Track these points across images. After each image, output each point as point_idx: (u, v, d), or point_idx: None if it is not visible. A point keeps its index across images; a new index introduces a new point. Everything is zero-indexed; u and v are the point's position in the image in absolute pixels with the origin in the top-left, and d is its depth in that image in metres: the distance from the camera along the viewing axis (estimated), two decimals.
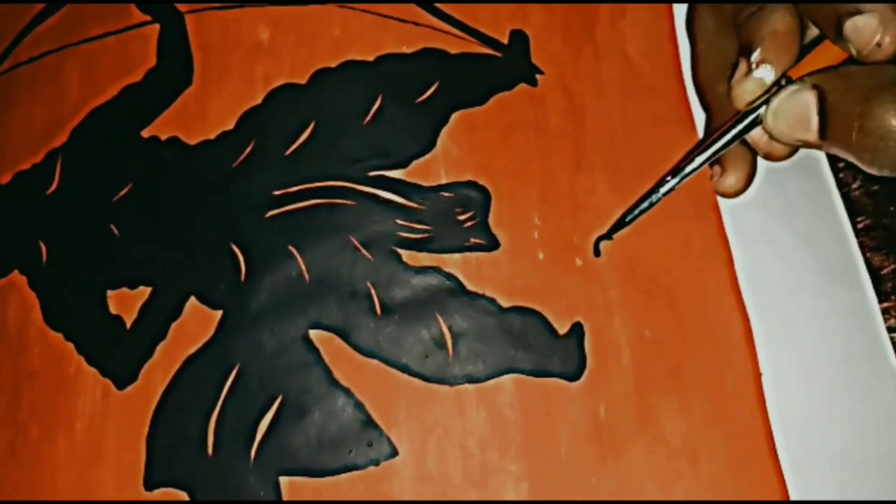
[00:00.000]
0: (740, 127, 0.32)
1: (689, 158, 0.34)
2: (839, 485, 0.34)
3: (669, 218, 0.38)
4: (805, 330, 0.37)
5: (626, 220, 0.36)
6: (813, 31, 0.32)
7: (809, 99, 0.28)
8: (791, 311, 0.37)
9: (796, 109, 0.29)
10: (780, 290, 0.37)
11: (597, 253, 0.37)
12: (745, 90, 0.31)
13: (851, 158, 0.27)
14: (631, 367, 0.36)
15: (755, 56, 0.31)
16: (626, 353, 0.36)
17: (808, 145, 0.30)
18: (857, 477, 0.34)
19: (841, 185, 0.40)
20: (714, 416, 0.35)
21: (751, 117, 0.32)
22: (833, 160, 0.40)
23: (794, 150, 0.33)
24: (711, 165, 0.37)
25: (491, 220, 0.38)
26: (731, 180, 0.36)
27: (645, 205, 0.36)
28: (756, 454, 0.35)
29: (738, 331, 0.36)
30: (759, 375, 0.36)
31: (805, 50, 0.31)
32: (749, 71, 0.31)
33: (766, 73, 0.31)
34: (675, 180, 0.35)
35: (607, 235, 0.37)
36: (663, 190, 0.35)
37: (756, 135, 0.33)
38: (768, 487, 0.34)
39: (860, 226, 0.40)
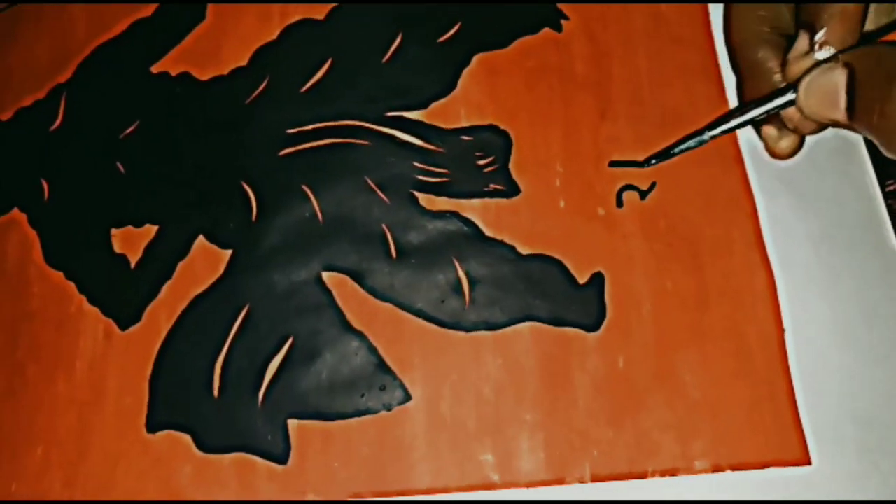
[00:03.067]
0: (781, 101, 0.32)
1: (731, 116, 0.34)
2: (861, 445, 0.34)
3: (693, 170, 0.38)
4: (829, 287, 0.37)
5: (673, 151, 0.36)
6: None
7: (840, 77, 0.28)
8: (815, 268, 0.37)
9: (827, 87, 0.28)
10: (805, 245, 0.37)
11: (619, 203, 0.37)
12: (802, 69, 0.30)
13: (874, 140, 0.27)
14: (651, 318, 0.35)
15: (819, 36, 0.30)
16: (647, 305, 0.36)
17: (836, 124, 0.30)
18: (880, 438, 0.34)
19: (870, 146, 0.40)
20: (735, 371, 0.35)
21: (790, 94, 0.31)
22: None
23: (821, 127, 0.33)
24: (760, 126, 0.37)
25: (511, 166, 0.38)
26: (785, 143, 0.36)
27: (690, 143, 0.35)
28: (777, 412, 0.34)
29: (762, 285, 0.36)
30: (781, 331, 0.35)
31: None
32: (811, 50, 0.30)
33: (827, 55, 0.30)
34: (723, 129, 0.34)
35: (646, 162, 0.37)
36: (711, 134, 0.34)
37: (791, 109, 0.33)
38: (788, 446, 0.34)
39: (889, 189, 0.40)
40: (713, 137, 0.35)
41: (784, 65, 0.32)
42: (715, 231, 0.37)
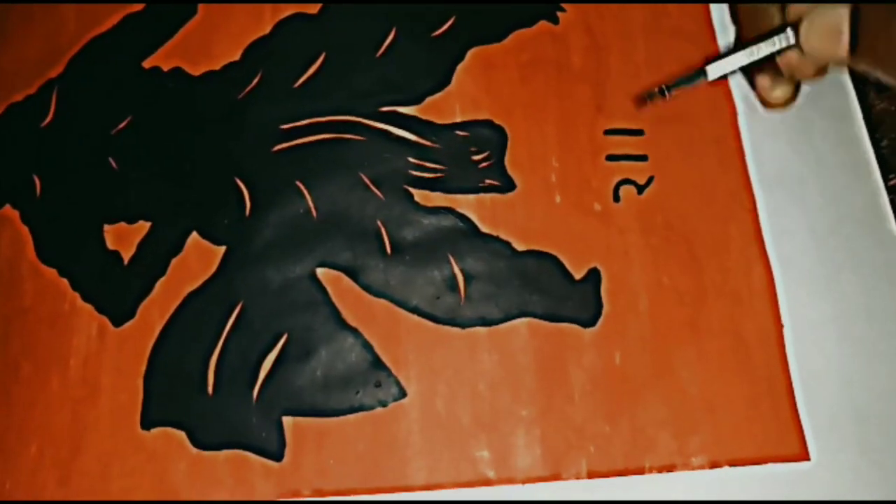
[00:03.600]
0: (782, 40, 0.32)
1: (731, 52, 0.34)
2: (862, 442, 0.34)
3: (691, 165, 0.38)
4: (830, 282, 0.37)
5: (662, 90, 0.36)
6: None
7: (843, 13, 0.29)
8: (816, 263, 0.37)
9: (830, 24, 0.29)
10: (806, 240, 0.37)
11: (616, 198, 0.37)
12: (803, 10, 0.32)
13: (879, 73, 0.28)
14: (648, 314, 0.36)
15: None
16: (644, 301, 0.36)
17: (837, 62, 0.30)
18: (881, 434, 0.34)
19: (875, 143, 0.40)
20: (733, 367, 0.35)
21: (789, 33, 0.32)
22: (867, 113, 0.40)
23: (818, 72, 0.34)
24: (754, 76, 0.36)
25: (507, 161, 0.38)
26: (779, 91, 0.36)
27: (686, 80, 0.36)
28: (776, 407, 0.34)
29: (760, 281, 0.36)
30: (780, 327, 0.36)
31: None
32: None
33: None
34: (723, 67, 0.35)
35: (642, 101, 0.38)
36: (710, 71, 0.35)
37: (789, 53, 0.33)
38: (787, 441, 0.34)
39: (892, 183, 0.40)
40: (712, 80, 0.35)
41: (784, 7, 0.32)
42: (713, 226, 0.37)
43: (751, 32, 0.35)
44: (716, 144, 0.38)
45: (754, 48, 0.33)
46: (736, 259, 0.37)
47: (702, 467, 0.34)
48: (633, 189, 0.37)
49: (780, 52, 0.33)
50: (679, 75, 0.36)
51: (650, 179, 0.37)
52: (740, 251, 0.37)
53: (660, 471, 0.33)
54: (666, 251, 0.37)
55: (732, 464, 0.34)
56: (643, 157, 0.38)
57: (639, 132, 0.38)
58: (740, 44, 0.36)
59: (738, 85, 0.40)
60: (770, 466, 0.34)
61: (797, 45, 0.32)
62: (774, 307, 0.36)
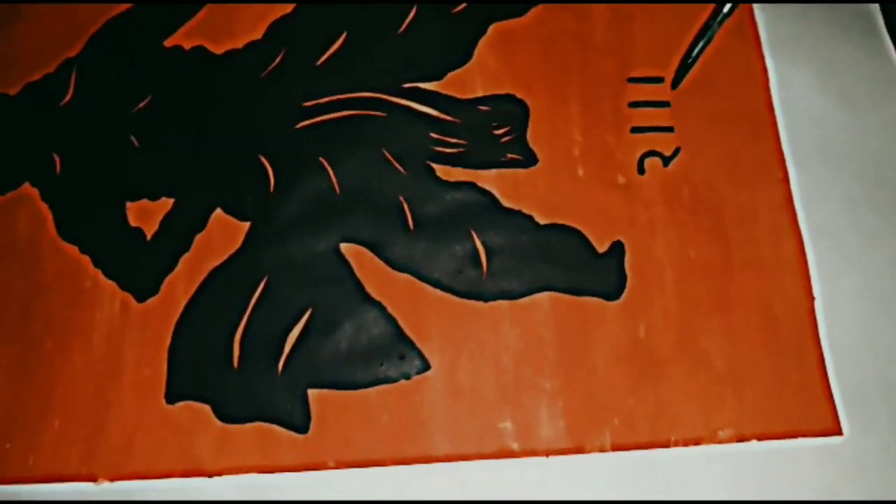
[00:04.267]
0: None
1: None
2: (894, 416, 0.34)
3: (720, 135, 0.38)
4: (863, 253, 0.36)
5: (689, 61, 0.36)
6: None
7: None
8: (848, 233, 0.36)
9: None
10: (838, 210, 0.37)
11: (641, 170, 0.38)
12: None
13: None
14: (673, 287, 0.36)
15: None
16: (669, 274, 0.36)
17: None
18: None
19: None
20: (762, 341, 0.35)
21: None
22: None
23: None
24: None
25: (529, 136, 0.38)
26: None
27: (704, 41, 0.36)
28: (806, 383, 0.34)
29: (791, 253, 0.36)
30: (811, 300, 0.35)
31: None
32: None
33: None
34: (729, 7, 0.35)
35: (675, 83, 0.38)
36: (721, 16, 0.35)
37: None
38: (818, 418, 0.34)
39: None
40: (721, 22, 0.35)
41: None
42: (741, 197, 0.37)
43: None
44: (746, 113, 0.38)
45: None
46: (765, 230, 0.36)
47: (729, 441, 0.34)
48: (658, 161, 0.37)
49: None
50: (694, 37, 0.36)
51: (676, 151, 0.37)
52: (770, 222, 0.37)
53: (685, 444, 0.34)
54: (692, 223, 0.37)
55: (761, 438, 0.34)
56: (669, 129, 0.38)
57: (665, 104, 0.38)
58: None
59: (770, 53, 0.40)
60: (800, 441, 0.34)
61: None
62: (805, 279, 0.36)
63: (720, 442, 0.34)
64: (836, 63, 0.37)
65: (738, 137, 0.38)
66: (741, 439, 0.34)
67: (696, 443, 0.34)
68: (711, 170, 0.37)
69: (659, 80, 0.38)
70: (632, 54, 0.39)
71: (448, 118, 0.39)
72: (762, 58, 0.39)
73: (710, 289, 0.36)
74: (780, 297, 0.36)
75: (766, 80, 0.39)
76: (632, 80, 0.38)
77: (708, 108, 0.38)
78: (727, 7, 0.33)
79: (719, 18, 0.34)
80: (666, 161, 0.37)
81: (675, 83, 0.36)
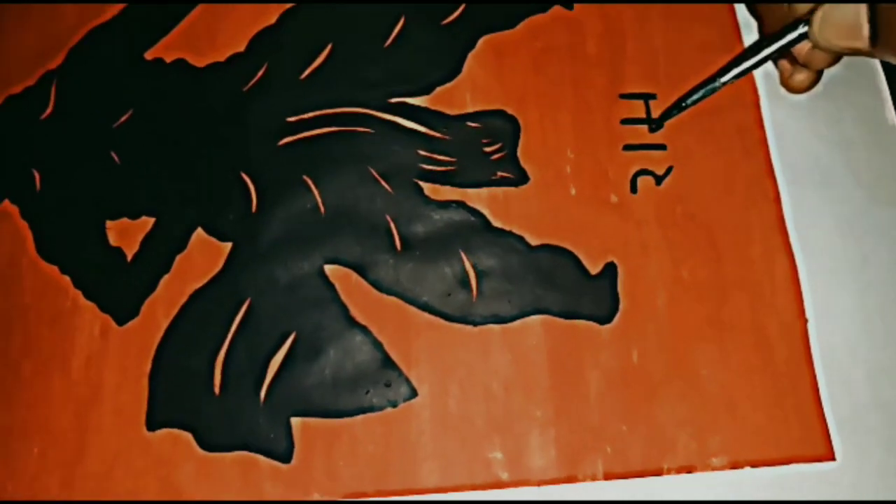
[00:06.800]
0: (792, 36, 0.33)
1: (743, 58, 0.35)
2: (889, 440, 0.34)
3: (712, 153, 0.38)
4: (856, 274, 0.37)
5: (683, 105, 0.37)
6: None
7: (860, 8, 0.29)
8: (841, 254, 0.37)
9: (846, 18, 0.30)
10: (831, 231, 0.37)
11: (634, 189, 0.38)
12: (809, 5, 0.32)
13: None
14: (667, 310, 0.36)
15: None
16: (662, 296, 0.36)
17: (856, 53, 0.31)
18: None
19: None
20: (755, 363, 0.35)
21: (802, 28, 0.33)
22: None
23: (835, 59, 0.34)
24: (777, 62, 0.37)
25: (520, 153, 0.38)
26: (800, 77, 0.36)
27: (701, 93, 0.36)
28: (799, 406, 0.34)
29: (784, 273, 0.36)
30: (804, 321, 0.36)
31: None
32: None
33: None
34: (735, 73, 0.35)
35: (659, 122, 0.38)
36: (723, 80, 0.35)
37: (801, 45, 0.34)
38: (811, 441, 0.34)
39: None
40: (725, 84, 0.35)
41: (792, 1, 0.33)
42: (734, 216, 0.37)
43: (767, 28, 0.36)
44: (738, 132, 0.39)
45: (765, 47, 0.34)
46: (758, 251, 0.37)
47: (722, 468, 0.34)
48: (651, 180, 0.38)
49: (794, 42, 0.33)
50: (694, 87, 0.37)
51: (669, 169, 0.38)
52: (763, 242, 0.37)
53: (679, 472, 0.34)
54: (685, 244, 0.37)
55: (754, 465, 0.34)
56: (661, 147, 0.38)
57: (657, 121, 0.38)
58: (755, 43, 0.38)
59: (760, 71, 0.40)
60: (794, 467, 0.34)
61: (810, 38, 0.32)
62: (798, 300, 0.36)
63: (714, 469, 0.34)
64: (826, 82, 0.37)
65: (730, 155, 0.38)
66: (735, 466, 0.34)
67: (689, 470, 0.34)
68: (704, 189, 0.38)
69: (651, 96, 0.38)
70: (623, 69, 0.40)
71: (436, 135, 0.39)
72: (752, 79, 0.40)
73: (703, 310, 0.36)
74: (774, 318, 0.36)
75: (757, 96, 0.39)
76: (623, 96, 0.38)
77: (700, 125, 0.38)
78: (739, 69, 0.34)
79: (728, 79, 0.34)
80: (658, 180, 0.37)
81: (660, 121, 0.37)
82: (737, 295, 0.36)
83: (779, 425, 0.35)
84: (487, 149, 0.38)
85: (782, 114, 0.39)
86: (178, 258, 0.39)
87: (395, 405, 0.35)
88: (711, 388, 0.35)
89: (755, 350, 0.36)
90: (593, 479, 0.34)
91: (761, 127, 0.39)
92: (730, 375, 0.35)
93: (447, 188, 0.38)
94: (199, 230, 0.39)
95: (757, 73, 0.40)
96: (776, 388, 0.35)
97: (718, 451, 0.34)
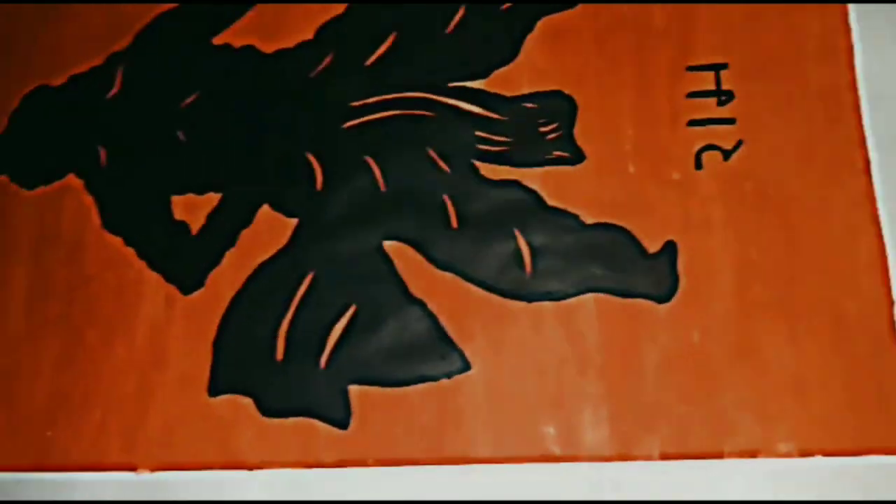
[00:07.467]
0: None
1: None
2: None
3: (789, 124, 0.39)
4: None
5: None
6: None
7: None
8: None
9: None
10: None
11: (698, 165, 0.38)
12: None
13: None
14: (732, 290, 0.37)
15: None
16: (727, 275, 0.38)
17: None
18: None
19: None
20: (831, 348, 0.36)
21: None
22: None
23: None
24: None
25: (577, 132, 0.41)
26: None
27: None
28: (883, 395, 0.35)
29: (869, 252, 0.37)
30: (891, 304, 0.36)
31: None
32: None
33: None
34: None
35: None
36: None
37: None
38: (894, 434, 0.34)
39: None
40: None
41: None
42: (812, 192, 0.38)
43: None
44: (821, 98, 0.39)
45: None
46: (839, 229, 0.38)
47: (789, 455, 0.35)
48: (718, 155, 0.39)
49: None
50: None
51: (738, 144, 0.39)
52: (845, 219, 0.38)
53: (740, 456, 0.35)
54: (755, 221, 0.38)
55: (827, 454, 0.34)
56: (730, 121, 0.40)
57: (727, 94, 0.38)
58: None
59: (858, 24, 0.39)
60: (872, 458, 0.34)
61: None
62: (885, 282, 0.37)
63: (780, 456, 0.35)
64: None
65: (811, 125, 0.39)
66: (804, 454, 0.35)
67: (753, 455, 0.35)
68: (778, 163, 0.39)
69: (723, 66, 0.38)
70: (693, 39, 0.41)
71: (494, 116, 0.41)
72: (847, 31, 0.39)
73: (772, 292, 0.37)
74: (854, 301, 0.37)
75: (851, 56, 0.40)
76: (691, 68, 0.40)
77: (776, 93, 0.40)
78: None
79: None
80: (726, 155, 0.38)
81: None
82: (811, 276, 0.37)
83: (857, 414, 0.35)
84: (543, 129, 0.41)
85: (881, 71, 0.38)
86: (243, 233, 0.43)
87: (449, 377, 0.38)
88: (779, 371, 0.36)
89: (831, 334, 0.36)
90: (648, 458, 0.35)
91: (853, 89, 0.39)
92: (800, 359, 0.36)
93: (503, 168, 0.41)
94: (265, 206, 0.43)
95: (854, 20, 0.39)
96: (855, 374, 0.36)
97: (786, 437, 0.35)
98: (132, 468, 0.39)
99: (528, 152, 0.41)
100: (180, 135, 0.45)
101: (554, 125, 0.41)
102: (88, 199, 0.45)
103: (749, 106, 0.39)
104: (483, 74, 0.42)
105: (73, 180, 0.46)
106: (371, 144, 0.43)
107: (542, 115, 0.41)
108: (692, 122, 0.40)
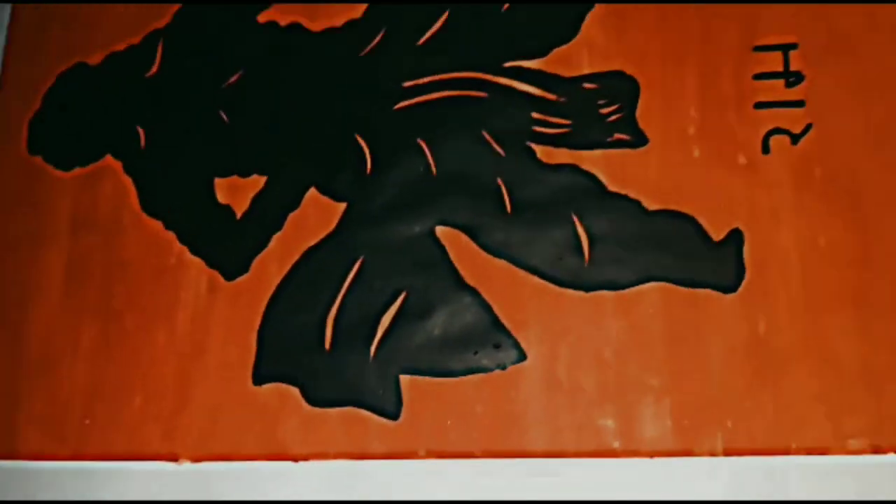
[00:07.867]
0: None
1: None
2: None
3: (863, 108, 0.38)
4: None
5: None
6: None
7: None
8: None
9: None
10: None
11: (765, 149, 0.38)
12: None
13: None
14: (800, 279, 0.38)
15: None
16: (795, 264, 0.38)
17: None
18: None
19: None
20: None
21: None
22: None
23: None
24: None
25: (639, 114, 0.41)
26: None
27: None
28: None
29: None
30: None
31: None
32: None
33: None
34: None
35: None
36: None
37: None
38: None
39: None
40: None
41: None
42: (885, 178, 0.38)
43: None
44: None
45: None
46: None
47: (861, 451, 0.35)
48: (786, 139, 0.40)
49: None
50: None
51: (808, 127, 0.39)
52: None
53: (809, 452, 0.36)
54: (824, 208, 0.39)
55: None
56: (800, 103, 0.40)
57: (797, 75, 0.37)
58: None
59: None
60: None
61: None
62: None
63: (851, 452, 0.35)
64: None
65: (885, 107, 0.39)
66: (877, 450, 0.35)
67: (823, 452, 0.36)
68: (849, 148, 0.39)
69: (792, 46, 0.37)
70: (760, 17, 0.41)
71: (551, 97, 0.42)
72: None
73: (842, 281, 0.38)
74: None
75: None
76: (758, 48, 0.39)
77: (848, 75, 0.40)
78: None
79: None
80: (795, 139, 0.38)
81: None
82: (884, 264, 0.37)
83: None
84: (604, 110, 0.42)
85: None
86: (290, 216, 0.43)
87: (503, 367, 0.39)
88: (850, 364, 0.37)
89: None
90: (712, 453, 0.36)
91: None
92: (872, 352, 0.36)
93: (561, 151, 0.42)
94: (313, 190, 0.42)
95: None
96: None
97: (857, 433, 0.35)
98: (173, 458, 0.39)
99: (587, 135, 0.41)
100: (223, 115, 0.45)
101: (615, 107, 0.41)
102: (127, 181, 0.45)
103: (819, 88, 0.39)
104: (540, 54, 0.42)
105: (110, 161, 0.46)
106: (423, 126, 0.43)
107: (602, 96, 0.41)
108: (759, 105, 0.40)
